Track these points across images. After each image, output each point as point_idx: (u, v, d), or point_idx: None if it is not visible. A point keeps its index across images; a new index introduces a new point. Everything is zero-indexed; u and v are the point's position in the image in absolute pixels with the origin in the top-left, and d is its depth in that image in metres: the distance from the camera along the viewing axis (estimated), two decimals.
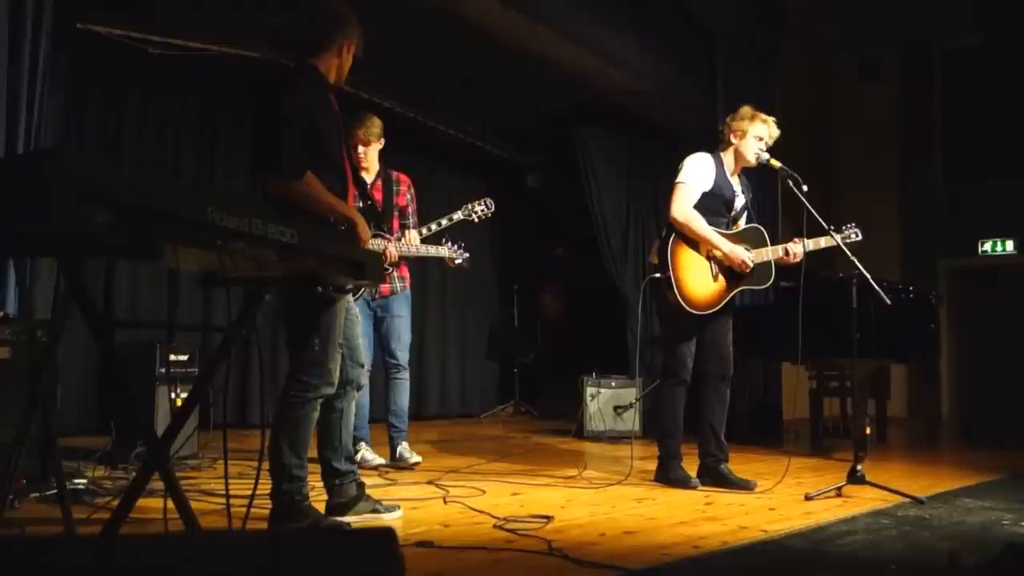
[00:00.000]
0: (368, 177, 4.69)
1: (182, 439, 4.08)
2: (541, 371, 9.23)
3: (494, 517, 3.20)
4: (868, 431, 5.64)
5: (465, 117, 8.16)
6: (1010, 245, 9.75)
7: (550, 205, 9.03)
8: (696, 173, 4.17)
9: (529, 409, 8.96)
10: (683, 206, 4.11)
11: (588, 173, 7.86)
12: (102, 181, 1.56)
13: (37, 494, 3.21)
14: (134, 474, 3.09)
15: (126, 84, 6.30)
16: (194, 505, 2.26)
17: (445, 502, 3.59)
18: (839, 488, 3.94)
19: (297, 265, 2.06)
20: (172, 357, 4.50)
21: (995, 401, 9.21)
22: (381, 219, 4.58)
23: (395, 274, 4.71)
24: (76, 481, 3.46)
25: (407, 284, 4.78)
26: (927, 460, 5.85)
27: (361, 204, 4.60)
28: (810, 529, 3.19)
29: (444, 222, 4.68)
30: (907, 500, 3.79)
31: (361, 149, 4.62)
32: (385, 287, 4.67)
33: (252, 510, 2.53)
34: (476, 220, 4.75)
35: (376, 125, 4.66)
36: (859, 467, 4.00)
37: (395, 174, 4.79)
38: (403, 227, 4.74)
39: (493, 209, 4.75)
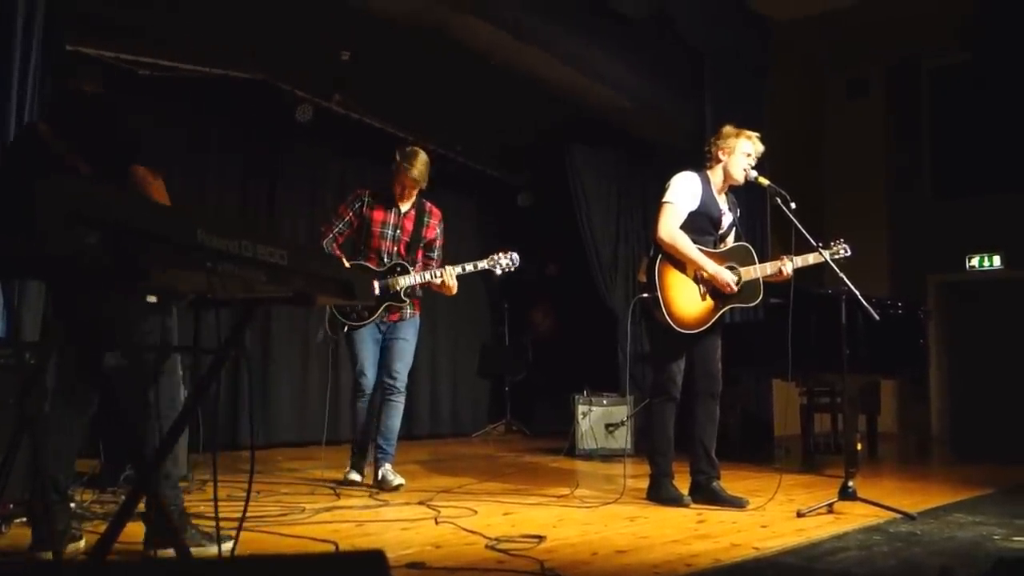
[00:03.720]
0: (404, 207, 4.78)
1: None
2: (532, 389, 9.21)
3: (486, 537, 3.19)
4: (859, 447, 5.65)
5: (455, 136, 8.19)
6: (997, 260, 9.81)
7: (541, 223, 9.05)
8: (682, 193, 4.18)
9: (521, 428, 8.93)
10: (669, 226, 4.12)
11: (578, 191, 7.90)
12: (91, 202, 1.55)
13: (24, 519, 3.18)
14: (123, 497, 3.07)
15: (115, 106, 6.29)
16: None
17: (436, 522, 3.57)
18: (831, 504, 3.94)
19: (286, 286, 2.06)
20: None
21: (985, 416, 9.23)
22: (407, 250, 4.74)
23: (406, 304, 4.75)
24: None
25: (416, 312, 4.82)
26: (918, 475, 5.86)
27: (391, 242, 4.72)
28: (802, 546, 3.19)
29: (469, 267, 4.73)
30: (899, 516, 3.79)
31: (418, 186, 4.74)
32: (394, 315, 4.73)
33: (242, 533, 2.51)
34: (499, 272, 4.80)
35: (426, 164, 4.76)
36: (850, 483, 4.00)
37: (428, 206, 4.86)
38: (427, 259, 4.81)
39: (518, 264, 4.80)
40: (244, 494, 2.63)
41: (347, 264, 4.57)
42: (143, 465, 2.11)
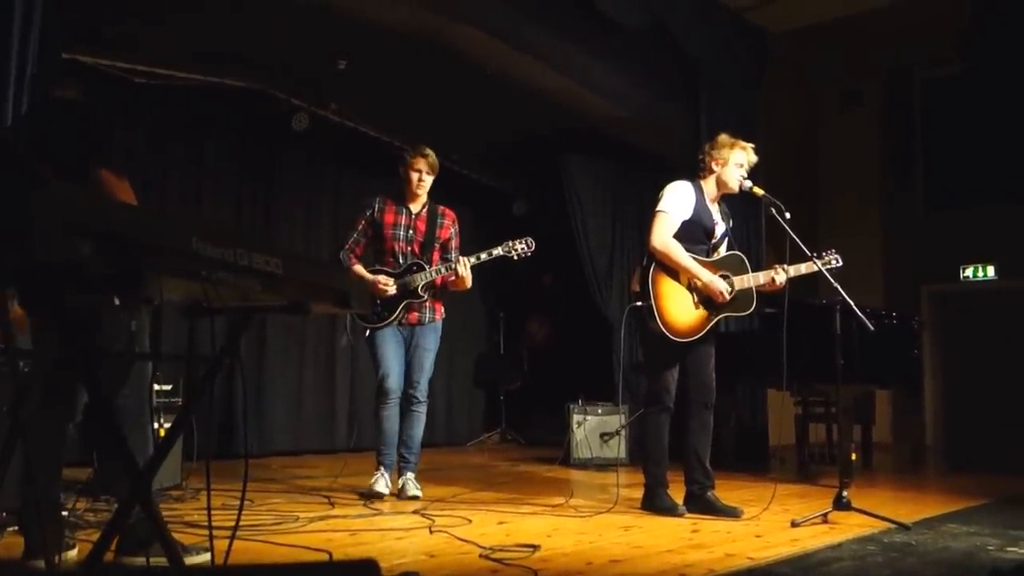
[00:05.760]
0: (415, 208, 4.78)
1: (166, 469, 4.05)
2: (528, 398, 9.20)
3: (480, 547, 3.18)
4: (854, 457, 5.65)
5: (451, 145, 8.19)
6: (991, 270, 9.84)
7: (536, 232, 9.02)
8: (675, 202, 4.19)
9: (516, 437, 8.92)
10: (662, 235, 4.13)
11: (573, 199, 7.91)
12: (87, 211, 1.55)
13: (17, 527, 3.17)
14: (116, 506, 3.06)
15: (111, 114, 6.29)
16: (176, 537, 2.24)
17: (431, 532, 3.56)
18: (825, 514, 3.94)
19: (281, 295, 2.06)
20: (155, 387, 4.47)
21: (979, 425, 9.24)
22: (422, 250, 4.71)
23: (427, 304, 4.72)
24: None
25: (437, 316, 4.77)
26: (913, 485, 5.86)
27: (404, 243, 4.70)
28: (796, 556, 3.19)
29: (483, 256, 4.68)
30: (893, 526, 3.79)
31: (426, 178, 4.71)
32: (414, 315, 4.70)
33: (236, 542, 2.50)
34: (515, 257, 4.75)
35: (433, 156, 4.77)
36: (845, 493, 4.01)
37: (440, 208, 4.84)
38: (445, 260, 4.77)
39: (533, 248, 4.74)
40: (238, 503, 2.63)
41: (365, 273, 4.60)
42: (133, 472, 2.11)
